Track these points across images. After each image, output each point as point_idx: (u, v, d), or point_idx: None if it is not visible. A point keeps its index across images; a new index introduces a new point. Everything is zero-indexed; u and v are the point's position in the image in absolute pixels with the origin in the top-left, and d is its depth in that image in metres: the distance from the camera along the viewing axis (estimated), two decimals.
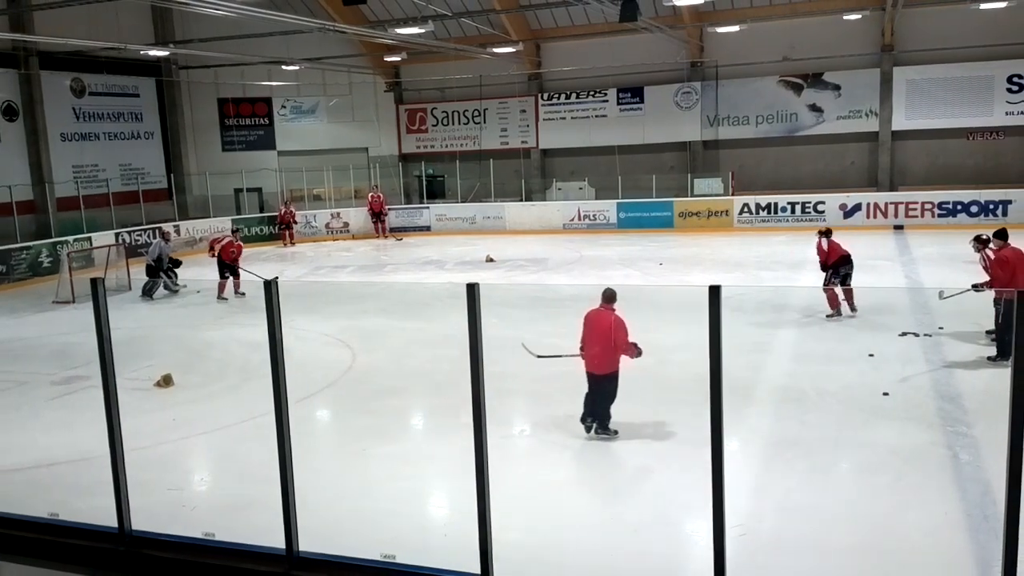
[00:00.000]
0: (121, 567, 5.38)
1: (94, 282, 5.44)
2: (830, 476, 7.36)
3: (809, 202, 23.63)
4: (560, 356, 8.73)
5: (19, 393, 10.47)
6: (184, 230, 24.12)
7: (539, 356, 9.15)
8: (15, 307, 16.62)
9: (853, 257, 12.98)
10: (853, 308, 12.78)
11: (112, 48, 22.20)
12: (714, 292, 4.22)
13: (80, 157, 25.10)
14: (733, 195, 24.74)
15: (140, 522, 5.51)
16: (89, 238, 21.27)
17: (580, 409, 9.10)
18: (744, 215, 24.14)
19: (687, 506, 6.60)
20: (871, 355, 10.45)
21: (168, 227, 23.09)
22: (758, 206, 24.05)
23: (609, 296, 8.14)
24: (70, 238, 20.99)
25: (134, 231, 22.74)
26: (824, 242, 13.01)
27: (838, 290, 12.72)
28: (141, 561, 5.39)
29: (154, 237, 22.73)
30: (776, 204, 23.92)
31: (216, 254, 17.05)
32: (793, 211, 23.73)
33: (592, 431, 8.10)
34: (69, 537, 5.62)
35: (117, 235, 21.76)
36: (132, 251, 20.29)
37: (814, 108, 25.21)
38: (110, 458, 5.42)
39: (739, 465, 7.12)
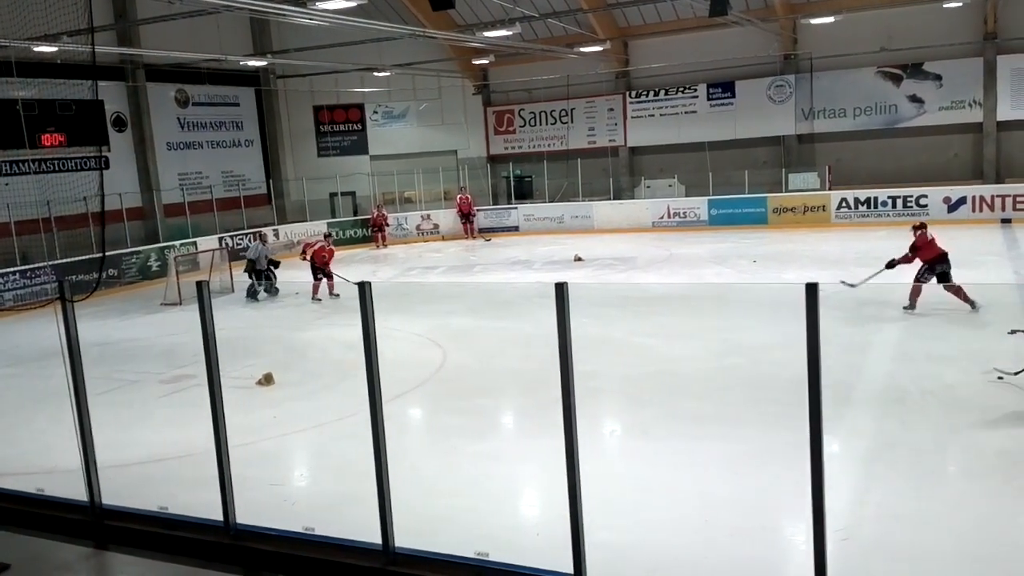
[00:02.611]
0: (226, 558, 5.60)
1: (199, 285, 5.69)
2: (935, 479, 7.04)
3: (911, 196, 22.68)
4: None
5: (131, 391, 10.98)
6: (283, 233, 24.93)
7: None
8: (126, 309, 17.47)
9: (956, 253, 12.51)
10: (973, 305, 12.20)
11: (213, 59, 23.16)
12: (811, 290, 4.11)
13: (185, 165, 26.24)
14: (830, 190, 23.98)
15: (244, 516, 5.72)
16: (194, 242, 22.23)
17: (671, 409, 9.01)
18: (842, 210, 23.35)
19: (786, 510, 6.43)
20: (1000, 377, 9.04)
21: (267, 231, 23.92)
22: (857, 200, 23.22)
23: None
24: (176, 243, 21.97)
25: (236, 235, 23.65)
26: (920, 236, 12.66)
27: (931, 288, 12.33)
28: (245, 553, 5.60)
29: (253, 240, 23.71)
30: (876, 199, 23.04)
31: (309, 258, 17.57)
32: (894, 205, 22.82)
33: None
34: (177, 529, 5.89)
35: (220, 239, 22.68)
36: (234, 255, 21.10)
37: (914, 99, 24.17)
38: (215, 454, 5.65)
39: (839, 468, 6.89)
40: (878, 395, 9.10)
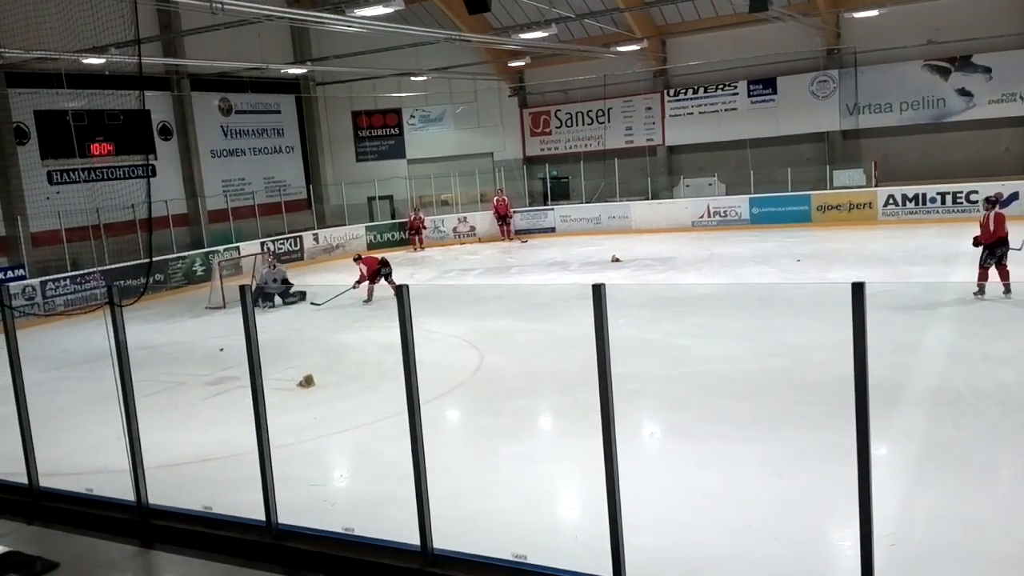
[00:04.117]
0: (268, 558, 5.64)
1: (242, 289, 5.75)
2: (988, 483, 6.83)
3: (960, 191, 22.13)
4: None
5: (177, 393, 11.15)
6: (322, 238, 25.23)
7: None
8: (172, 313, 17.78)
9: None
10: (1007, 290, 12.24)
11: (255, 68, 23.55)
12: (858, 289, 4.00)
13: (228, 172, 26.70)
14: (877, 186, 23.51)
15: (285, 516, 5.76)
16: (237, 247, 22.56)
17: (712, 411, 8.89)
18: (889, 207, 22.88)
19: (832, 513, 6.28)
20: None
21: (306, 237, 24.14)
22: (904, 197, 22.75)
23: None
24: (220, 248, 22.32)
25: (277, 240, 23.98)
26: (992, 217, 12.64)
27: (992, 271, 12.31)
28: (286, 553, 5.63)
29: (294, 245, 24.05)
30: (924, 195, 22.54)
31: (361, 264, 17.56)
32: (943, 201, 22.30)
33: None
34: (221, 529, 5.95)
35: (262, 244, 22.98)
36: (276, 259, 21.35)
37: (963, 92, 23.61)
38: (258, 454, 5.70)
39: (888, 471, 6.71)
40: (930, 396, 8.88)
